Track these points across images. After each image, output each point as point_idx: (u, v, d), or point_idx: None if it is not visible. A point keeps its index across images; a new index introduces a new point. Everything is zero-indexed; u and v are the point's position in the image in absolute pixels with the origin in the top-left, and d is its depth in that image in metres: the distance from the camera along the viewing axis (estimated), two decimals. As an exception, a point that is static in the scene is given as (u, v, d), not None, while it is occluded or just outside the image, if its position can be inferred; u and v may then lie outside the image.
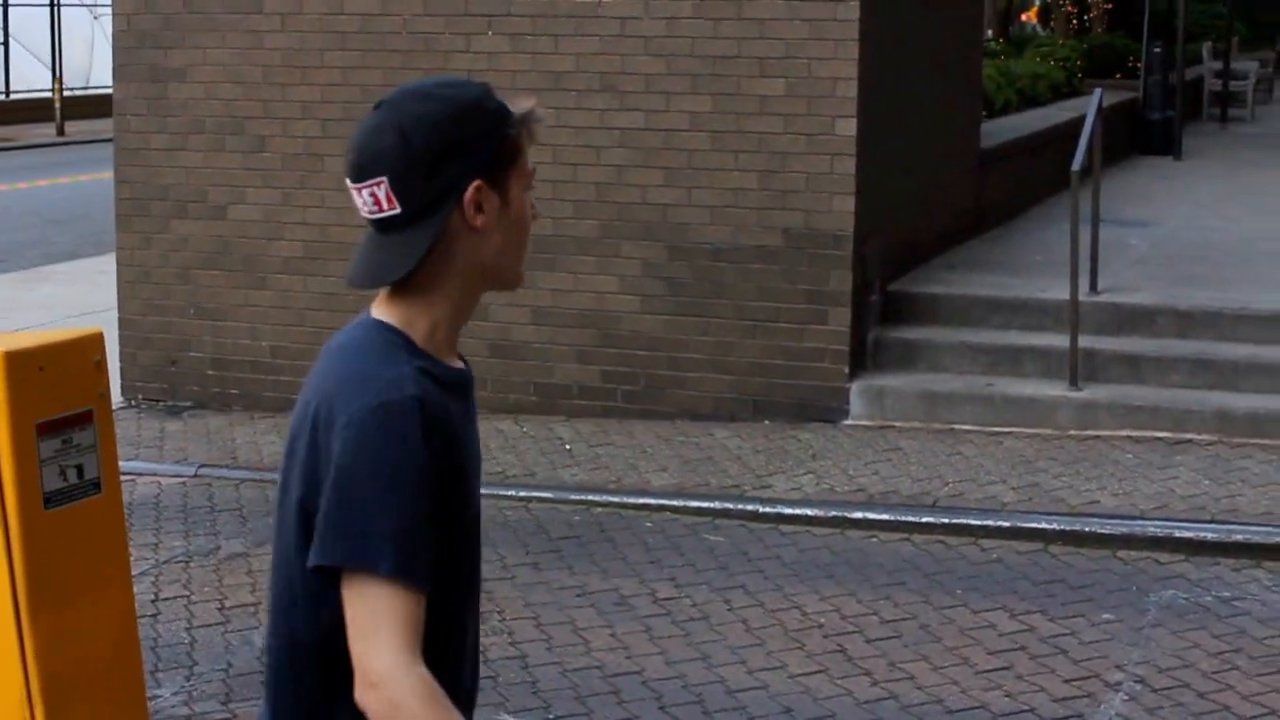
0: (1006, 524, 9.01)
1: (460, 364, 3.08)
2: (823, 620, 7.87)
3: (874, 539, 9.01)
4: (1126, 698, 7.03)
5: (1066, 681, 7.19)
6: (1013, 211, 14.98)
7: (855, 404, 10.81)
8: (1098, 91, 11.97)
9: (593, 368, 11.26)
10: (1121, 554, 8.75)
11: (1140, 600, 8.13)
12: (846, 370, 10.83)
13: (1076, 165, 10.75)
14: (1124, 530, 8.88)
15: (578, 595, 8.22)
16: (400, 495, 2.82)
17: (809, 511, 9.27)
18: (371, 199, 2.94)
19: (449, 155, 2.92)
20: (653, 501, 9.44)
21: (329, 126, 11.67)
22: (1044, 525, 8.98)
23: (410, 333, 2.97)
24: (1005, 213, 14.75)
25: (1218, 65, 27.98)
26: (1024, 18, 37.11)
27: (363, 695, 2.79)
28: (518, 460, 10.27)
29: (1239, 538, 8.77)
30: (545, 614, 7.97)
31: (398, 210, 2.93)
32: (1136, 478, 9.57)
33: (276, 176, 11.89)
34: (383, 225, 2.96)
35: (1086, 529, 8.92)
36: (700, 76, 10.97)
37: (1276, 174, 19.49)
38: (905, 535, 9.03)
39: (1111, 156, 19.67)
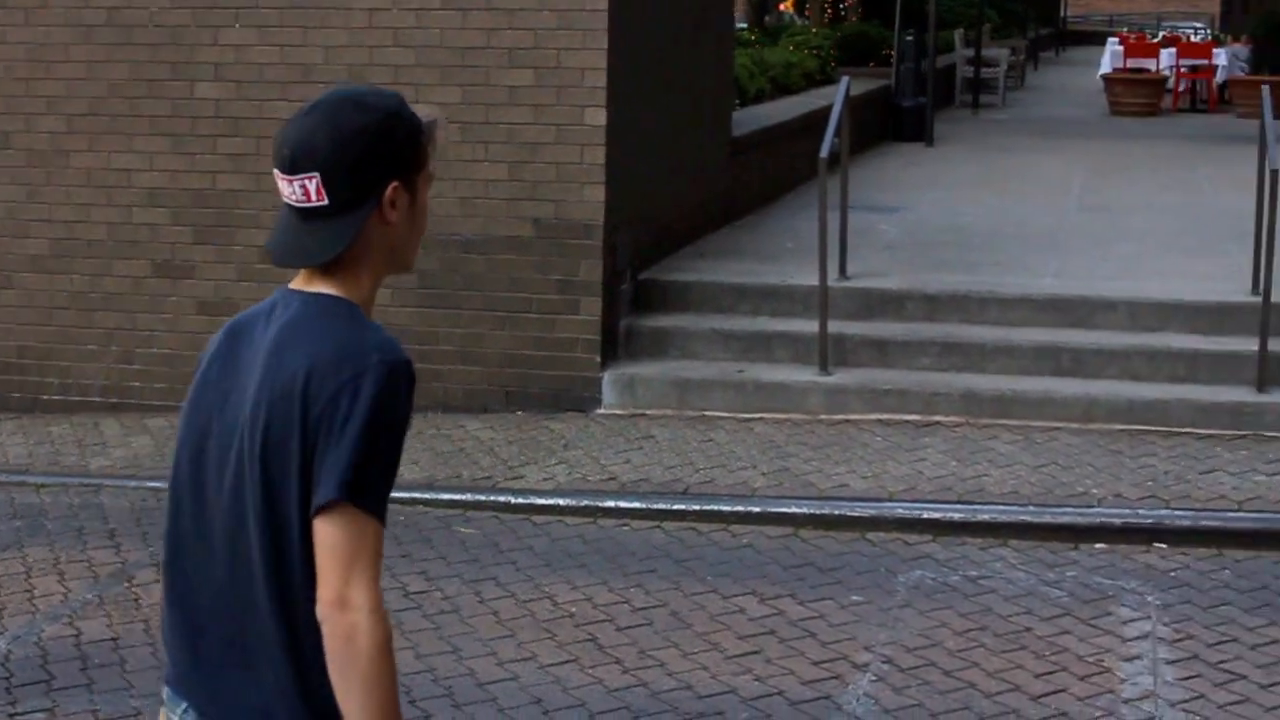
0: (757, 509, 9.08)
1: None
2: (574, 610, 7.86)
3: (626, 527, 9.03)
4: (874, 678, 7.10)
5: (815, 664, 7.24)
6: (765, 199, 15.11)
7: (607, 393, 10.83)
8: (844, 79, 12.10)
9: (342, 361, 11.14)
10: (870, 536, 8.85)
11: (889, 581, 8.23)
12: (598, 359, 10.85)
13: (824, 152, 10.85)
14: (873, 512, 8.99)
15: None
16: (394, 444, 3.22)
17: (561, 501, 9.27)
18: (301, 190, 3.30)
19: (374, 160, 3.31)
20: (404, 495, 9.35)
21: (75, 122, 11.45)
22: (794, 509, 9.05)
23: (361, 303, 3.37)
24: (758, 200, 14.87)
25: (969, 53, 28.47)
26: (782, 7, 37.44)
27: (329, 612, 3.12)
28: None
29: (985, 517, 8.92)
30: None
31: (325, 203, 3.29)
32: (885, 460, 9.70)
33: (21, 174, 11.62)
34: (307, 214, 3.32)
35: (836, 512, 9.01)
36: (449, 68, 10.92)
37: (1026, 159, 19.89)
38: (657, 523, 9.05)
39: (864, 143, 19.98)
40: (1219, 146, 21.41)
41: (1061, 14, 61.87)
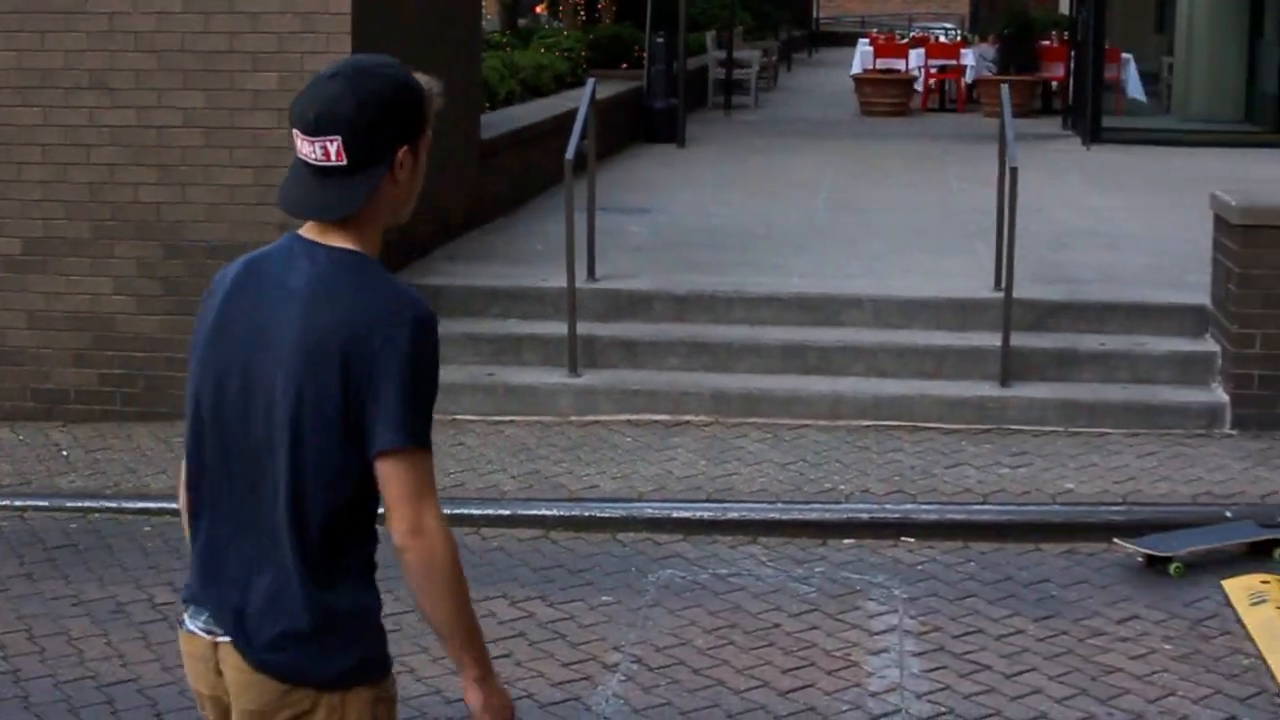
0: (507, 512, 9.08)
1: None
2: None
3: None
4: (624, 678, 7.13)
5: (565, 665, 7.26)
6: (515, 202, 15.10)
7: (360, 399, 10.73)
8: (590, 81, 12.13)
9: (90, 371, 10.97)
10: (621, 536, 8.89)
11: (639, 581, 8.27)
12: (349, 365, 10.74)
13: (569, 155, 10.89)
14: (623, 513, 9.03)
15: (73, 605, 7.99)
16: (434, 384, 3.70)
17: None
18: (322, 151, 3.63)
19: (389, 125, 3.69)
20: (152, 505, 9.22)
21: None
22: (544, 512, 9.07)
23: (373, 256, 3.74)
24: (508, 203, 14.86)
25: (722, 54, 28.70)
26: (538, 10, 37.46)
27: (408, 541, 3.62)
28: (13, 469, 9.95)
29: (734, 515, 9.00)
30: (39, 626, 7.72)
31: (344, 163, 3.64)
32: (635, 460, 9.75)
33: None
34: (325, 172, 3.65)
35: (586, 513, 9.04)
36: (192, 72, 10.78)
37: (777, 159, 20.10)
38: (409, 528, 8.99)
39: (616, 145, 20.06)
40: (966, 145, 21.81)
41: (814, 15, 62.64)
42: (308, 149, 3.65)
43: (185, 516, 3.87)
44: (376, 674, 3.79)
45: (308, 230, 3.74)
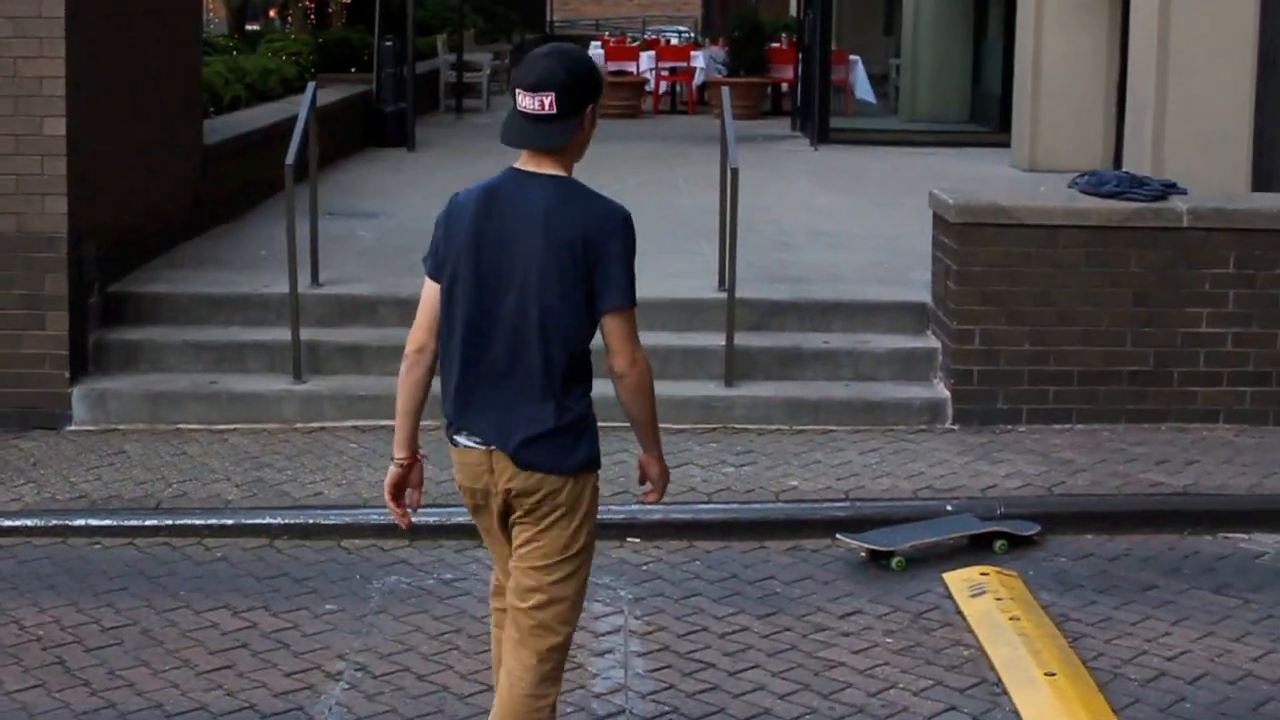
0: (231, 522, 8.95)
1: None
2: (41, 633, 7.62)
3: (98, 545, 8.80)
4: (347, 686, 7.07)
5: (288, 675, 7.16)
6: (241, 208, 14.91)
7: (78, 409, 10.54)
8: (311, 86, 12.02)
9: None
10: (346, 544, 8.81)
11: (364, 588, 8.20)
12: (67, 375, 10.57)
13: (290, 159, 10.77)
14: (348, 520, 8.96)
15: None
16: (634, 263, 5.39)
17: (29, 522, 8.98)
18: (539, 103, 5.31)
19: (584, 88, 5.38)
20: None
21: None
22: (269, 520, 8.96)
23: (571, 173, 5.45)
24: (233, 209, 14.67)
25: (453, 58, 28.62)
26: (272, 14, 37.05)
27: (626, 368, 5.48)
28: None
29: (460, 519, 8.83)
30: None
31: (554, 112, 5.32)
32: (361, 467, 9.67)
33: None
34: (538, 119, 5.34)
35: (311, 521, 8.96)
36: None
37: (508, 163, 19.69)
38: (129, 540, 8.85)
39: (346, 149, 19.91)
40: (696, 147, 21.98)
41: (548, 18, 62.78)
42: (528, 102, 5.34)
43: (450, 362, 5.48)
44: (597, 465, 5.63)
45: (523, 164, 5.44)
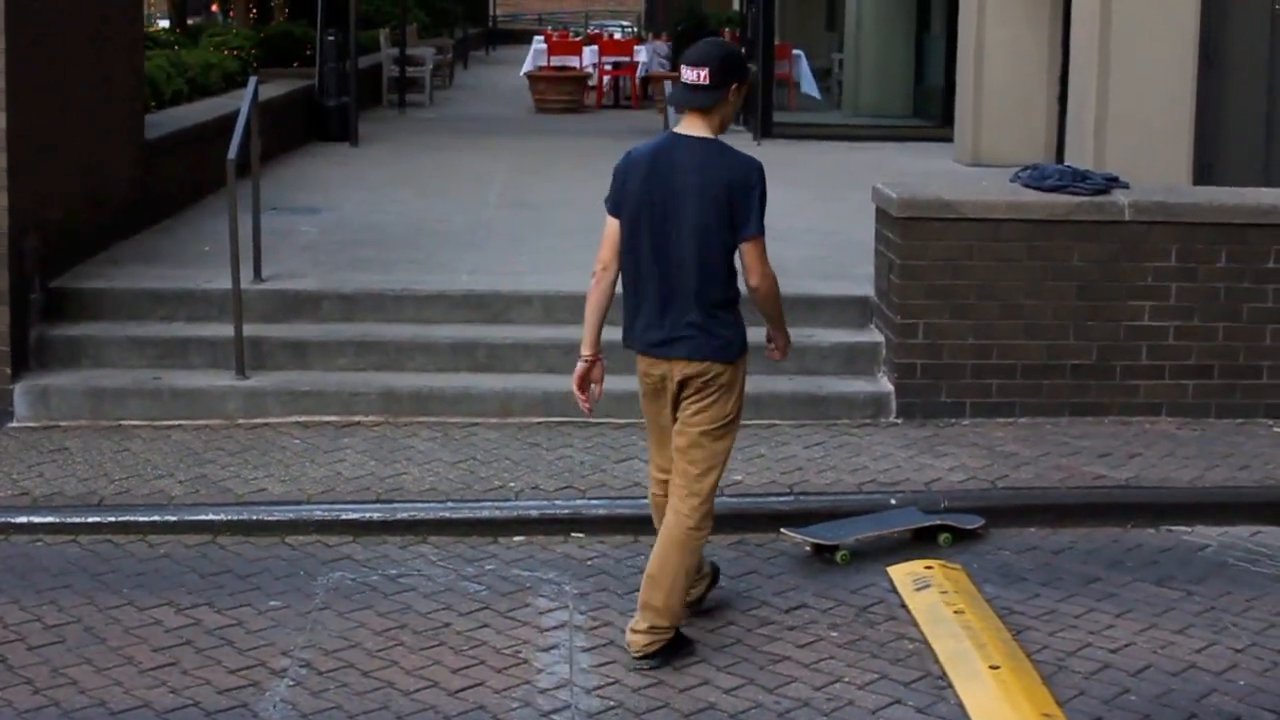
0: (174, 518, 8.90)
1: None
2: (-17, 632, 7.57)
3: (40, 543, 8.74)
4: (292, 683, 7.03)
5: (232, 672, 7.13)
6: (183, 202, 14.83)
7: (20, 405, 10.47)
8: (253, 80, 11.97)
9: None
10: (290, 540, 8.78)
11: (308, 585, 8.17)
12: (9, 371, 10.49)
13: (232, 154, 10.71)
14: (291, 516, 8.92)
15: None
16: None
17: (-30, 520, 8.92)
18: (698, 75, 7.05)
19: (731, 68, 7.10)
20: None
21: None
22: (212, 517, 8.91)
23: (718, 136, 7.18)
24: (175, 204, 14.59)
25: (395, 52, 28.56)
26: (214, 8, 36.93)
27: (760, 280, 7.16)
28: None
29: (404, 515, 8.94)
30: None
31: (708, 84, 7.05)
32: (304, 463, 9.63)
33: None
34: (696, 88, 7.08)
35: (254, 517, 8.91)
36: None
37: (451, 157, 20.05)
38: (72, 537, 8.79)
39: (288, 144, 19.85)
40: (639, 140, 21.86)
41: (491, 13, 62.72)
42: (690, 75, 7.09)
43: (602, 282, 7.41)
44: (745, 351, 7.27)
45: (681, 128, 7.19)
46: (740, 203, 7.03)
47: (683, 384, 7.18)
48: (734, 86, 7.08)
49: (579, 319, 11.06)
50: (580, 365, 7.39)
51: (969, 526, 8.97)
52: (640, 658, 7.24)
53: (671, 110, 11.81)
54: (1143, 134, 15.55)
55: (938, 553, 8.67)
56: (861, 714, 6.86)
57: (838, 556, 8.51)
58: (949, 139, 21.17)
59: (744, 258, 7.12)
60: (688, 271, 7.08)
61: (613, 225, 7.27)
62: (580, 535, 8.91)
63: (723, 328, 7.14)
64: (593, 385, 7.40)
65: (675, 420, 7.27)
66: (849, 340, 11.18)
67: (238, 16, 29.12)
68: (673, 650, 7.28)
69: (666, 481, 7.45)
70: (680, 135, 7.14)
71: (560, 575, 8.36)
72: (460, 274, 12.08)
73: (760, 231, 7.09)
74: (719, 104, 7.08)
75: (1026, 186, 11.03)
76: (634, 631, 7.28)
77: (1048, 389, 10.77)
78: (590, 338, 7.40)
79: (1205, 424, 10.75)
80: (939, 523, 8.92)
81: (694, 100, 7.09)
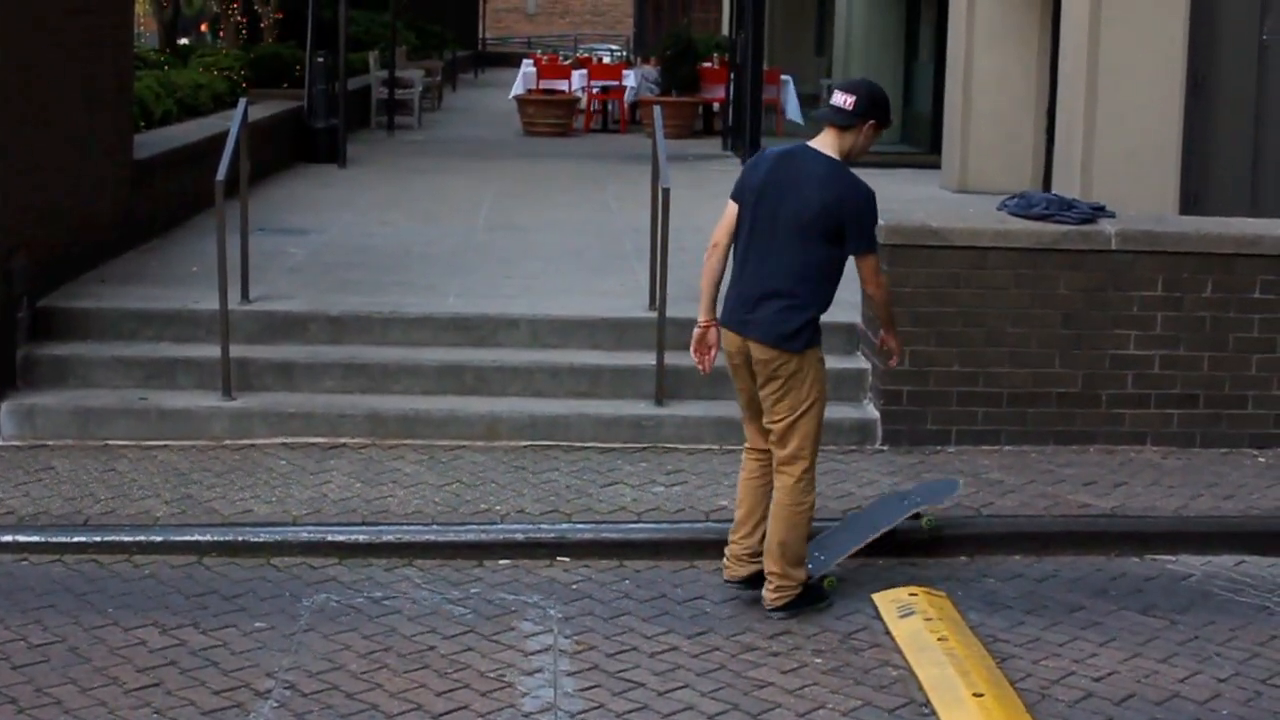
0: (160, 539, 8.89)
1: None
2: (-34, 651, 7.56)
3: (25, 562, 8.74)
4: (276, 704, 7.04)
5: (216, 693, 7.13)
6: (172, 223, 14.84)
7: (6, 424, 10.46)
8: (242, 101, 12.00)
9: None
10: (275, 561, 8.78)
11: (293, 606, 8.17)
12: (-4, 390, 10.51)
13: (221, 175, 10.73)
14: (277, 538, 8.91)
15: None
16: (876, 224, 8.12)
17: (-45, 539, 8.91)
18: (844, 100, 7.90)
19: (870, 106, 7.93)
20: None
21: None
22: (197, 538, 8.90)
23: (843, 161, 8.00)
24: (164, 224, 14.60)
25: (384, 74, 28.58)
26: (204, 28, 36.94)
27: (876, 289, 8.16)
28: None
29: (390, 538, 8.94)
30: None
31: (851, 110, 7.91)
32: (290, 484, 9.63)
33: None
34: (840, 110, 7.91)
35: (240, 539, 8.91)
36: None
37: (439, 180, 20.06)
38: (57, 556, 8.79)
39: (277, 165, 19.87)
40: (627, 165, 22.02)
41: (480, 36, 62.81)
42: (839, 99, 7.93)
43: (713, 256, 8.17)
44: (813, 347, 8.02)
45: (814, 143, 7.99)
46: (852, 221, 7.88)
47: (760, 366, 8.03)
48: (871, 123, 7.94)
49: (566, 343, 11.24)
50: (697, 330, 8.24)
51: (943, 499, 9.09)
52: (772, 609, 8.17)
53: (659, 134, 11.78)
54: (1130, 163, 15.58)
55: (922, 580, 8.68)
56: (845, 740, 6.88)
57: (824, 584, 8.51)
58: (936, 166, 21.21)
59: (861, 270, 8.05)
60: (783, 267, 7.93)
61: (731, 209, 8.15)
62: (566, 559, 8.92)
63: (795, 322, 7.92)
64: (710, 349, 8.25)
65: (760, 398, 8.15)
66: (835, 366, 11.10)
67: (227, 37, 29.12)
68: (804, 600, 8.21)
69: (754, 458, 8.36)
70: (810, 147, 8.02)
71: (545, 599, 8.36)
72: (448, 297, 12.09)
73: (872, 248, 8.03)
74: (852, 130, 7.93)
75: (1013, 215, 11.05)
76: (765, 591, 8.23)
77: (1033, 417, 10.79)
78: (705, 304, 8.21)
79: (1190, 453, 10.77)
80: (915, 511, 8.97)
81: (834, 118, 7.95)
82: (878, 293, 8.16)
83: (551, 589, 8.51)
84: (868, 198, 7.91)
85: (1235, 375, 10.88)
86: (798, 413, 8.01)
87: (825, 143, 7.99)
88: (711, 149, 25.38)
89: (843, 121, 7.92)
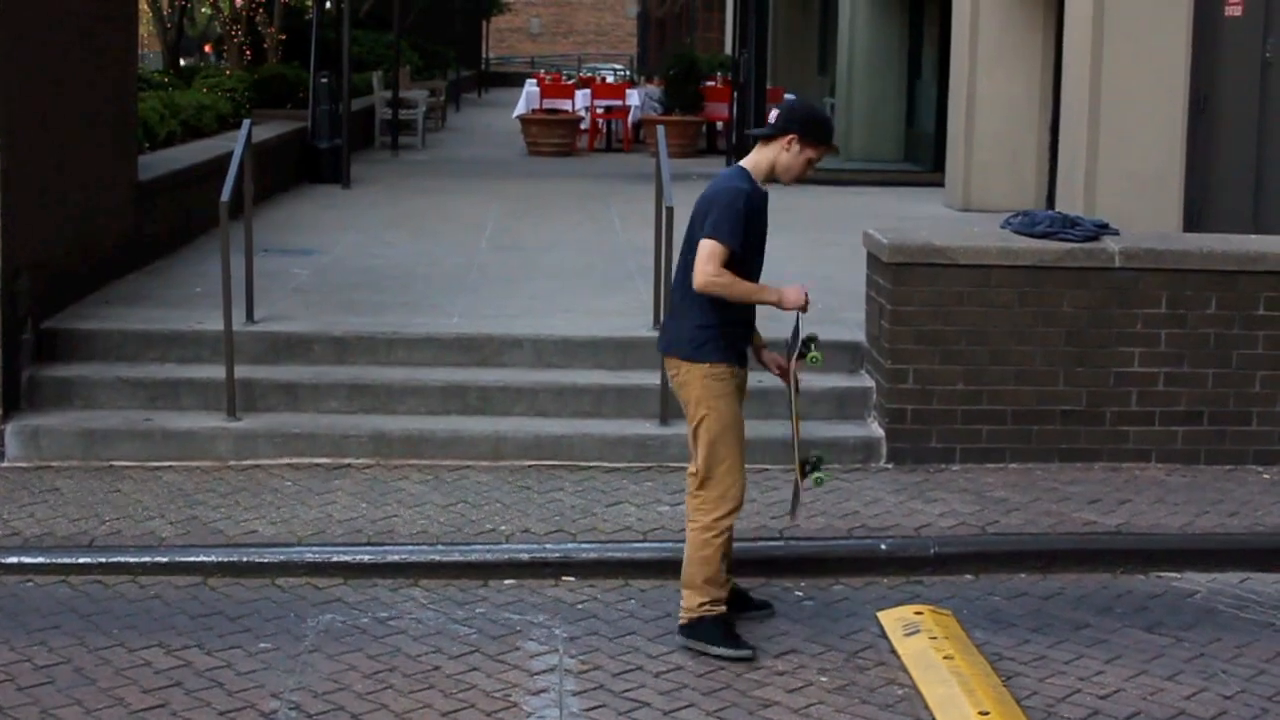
0: (165, 559, 8.90)
1: (766, 189, 7.93)
2: (-28, 672, 7.57)
3: (30, 583, 8.73)
4: (281, 725, 7.05)
5: (222, 714, 7.13)
6: (176, 244, 14.86)
7: (11, 446, 10.47)
8: (246, 122, 12.01)
9: None
10: (280, 582, 8.78)
11: (298, 626, 8.17)
12: (1, 412, 10.49)
13: (224, 196, 10.75)
14: (282, 558, 8.92)
15: None
16: (727, 218, 7.68)
17: (-40, 560, 8.91)
18: (771, 115, 8.06)
19: (794, 121, 7.81)
20: None
21: None
22: (202, 558, 8.91)
23: (752, 171, 7.86)
24: (168, 245, 14.62)
25: (388, 94, 28.61)
26: (208, 49, 36.94)
27: (697, 276, 7.67)
28: None
29: (395, 558, 8.94)
30: None
31: (770, 123, 7.85)
32: (295, 505, 9.64)
33: None
34: (767, 124, 7.90)
35: (245, 559, 8.91)
36: None
37: (443, 200, 20.09)
38: (62, 577, 8.79)
39: (281, 186, 19.91)
40: (630, 184, 22.03)
41: (484, 56, 62.85)
42: (771, 115, 8.02)
43: (739, 289, 7.79)
44: (709, 358, 7.86)
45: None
46: (708, 214, 7.71)
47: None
48: (793, 137, 7.75)
49: (570, 362, 11.26)
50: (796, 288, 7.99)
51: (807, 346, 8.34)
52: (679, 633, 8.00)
53: (663, 153, 11.80)
54: (1133, 181, 15.60)
55: (927, 598, 8.68)
56: (851, 759, 6.87)
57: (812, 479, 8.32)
58: (940, 184, 21.23)
59: (697, 253, 7.76)
60: (679, 279, 7.98)
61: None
62: (571, 579, 8.91)
63: (681, 331, 7.91)
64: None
65: None
66: (840, 385, 11.19)
67: (231, 58, 29.10)
68: (699, 633, 7.88)
69: None
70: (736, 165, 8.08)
71: (550, 619, 8.35)
72: (452, 317, 12.10)
73: (714, 235, 7.66)
74: (772, 142, 7.80)
75: (1017, 233, 11.05)
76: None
77: (1038, 435, 10.79)
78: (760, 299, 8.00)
79: (1195, 470, 10.77)
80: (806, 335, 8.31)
81: (754, 131, 8.20)
82: (698, 280, 7.70)
83: (557, 609, 8.50)
84: (730, 192, 7.72)
85: (1239, 392, 10.88)
86: (693, 425, 7.90)
87: (753, 151, 7.96)
88: (715, 168, 25.29)
89: (760, 133, 7.89)
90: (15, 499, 9.77)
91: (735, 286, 7.73)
